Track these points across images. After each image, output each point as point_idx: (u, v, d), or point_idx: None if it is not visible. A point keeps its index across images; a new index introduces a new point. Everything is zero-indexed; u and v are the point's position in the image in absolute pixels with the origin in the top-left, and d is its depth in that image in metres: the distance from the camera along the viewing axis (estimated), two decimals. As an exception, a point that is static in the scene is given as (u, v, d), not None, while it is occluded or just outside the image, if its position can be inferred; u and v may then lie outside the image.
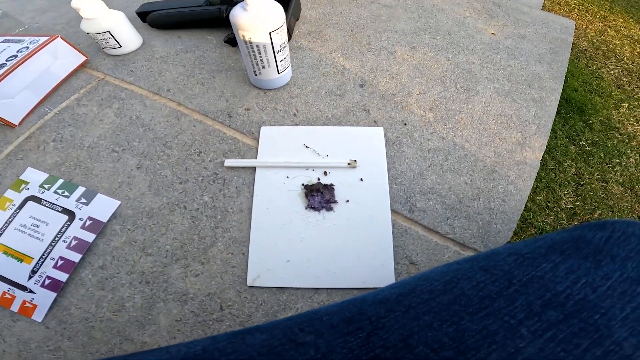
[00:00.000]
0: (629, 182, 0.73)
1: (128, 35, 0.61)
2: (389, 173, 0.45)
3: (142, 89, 0.56)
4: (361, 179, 0.44)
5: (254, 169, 0.45)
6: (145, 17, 0.68)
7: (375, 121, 0.50)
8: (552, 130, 0.77)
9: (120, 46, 0.60)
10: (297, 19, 0.67)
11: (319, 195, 0.42)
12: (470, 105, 0.53)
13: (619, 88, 0.87)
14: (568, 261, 0.24)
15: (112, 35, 0.57)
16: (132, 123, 0.51)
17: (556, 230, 0.57)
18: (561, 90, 0.55)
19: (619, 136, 0.77)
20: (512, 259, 0.25)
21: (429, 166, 0.46)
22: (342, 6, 0.69)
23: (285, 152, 0.46)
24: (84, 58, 0.59)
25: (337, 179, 0.44)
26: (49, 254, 0.39)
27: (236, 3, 0.67)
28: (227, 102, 0.53)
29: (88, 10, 0.54)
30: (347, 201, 0.42)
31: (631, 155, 0.76)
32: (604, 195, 0.71)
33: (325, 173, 0.44)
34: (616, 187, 0.72)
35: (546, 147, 0.73)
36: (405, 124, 0.49)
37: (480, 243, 0.40)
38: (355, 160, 0.45)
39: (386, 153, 0.46)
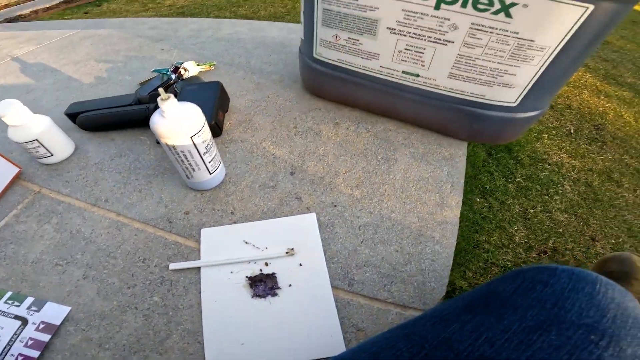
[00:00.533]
0: (571, 207, 0.88)
1: (59, 143, 0.67)
2: (325, 254, 0.55)
3: (80, 200, 0.63)
4: (300, 264, 0.54)
5: (198, 268, 0.54)
6: (75, 118, 0.76)
7: (307, 207, 0.61)
8: (488, 171, 0.93)
9: (52, 154, 0.66)
10: (226, 111, 0.80)
11: (263, 285, 0.52)
12: (391, 175, 0.66)
13: (534, 121, 1.08)
14: (475, 318, 0.28)
15: (41, 143, 0.63)
16: (73, 237, 0.58)
17: (518, 265, 0.68)
18: (467, 143, 0.70)
19: (549, 167, 0.94)
20: (431, 322, 0.31)
21: (361, 242, 0.57)
22: (269, 89, 0.84)
23: (227, 250, 0.55)
24: (17, 169, 0.65)
25: (278, 267, 0.53)
26: (7, 352, 0.46)
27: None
28: (166, 208, 0.62)
29: (11, 117, 0.59)
30: (290, 285, 0.51)
31: (565, 182, 0.92)
32: (551, 224, 0.85)
33: (266, 264, 0.54)
34: (560, 215, 0.87)
35: (488, 189, 0.87)
36: (335, 206, 0.61)
37: (419, 302, 0.50)
38: (292, 249, 0.55)
39: (321, 236, 0.57)
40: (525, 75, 0.57)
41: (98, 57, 1.10)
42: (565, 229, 0.80)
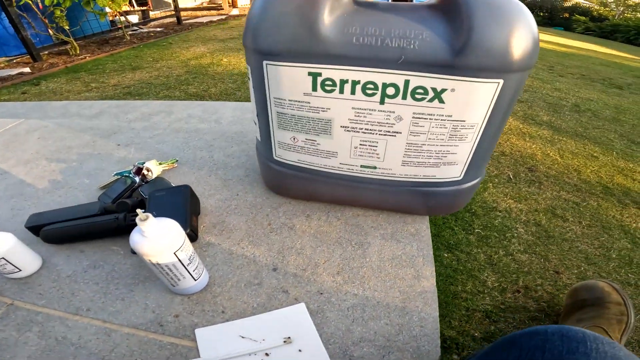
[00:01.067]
0: (529, 247, 0.99)
1: (25, 259, 0.69)
2: (321, 337, 0.61)
3: (58, 311, 0.65)
4: (300, 350, 0.59)
5: None
6: (37, 231, 0.76)
7: (295, 299, 0.68)
8: (449, 228, 1.04)
9: (20, 270, 0.68)
10: (198, 214, 0.86)
11: (268, 372, 0.56)
12: (367, 258, 0.76)
13: (478, 171, 1.24)
14: None
15: (7, 261, 0.66)
16: (60, 343, 0.59)
17: (498, 308, 0.74)
18: (428, 217, 0.82)
19: (500, 213, 1.07)
20: None
21: (352, 321, 0.64)
22: (237, 186, 0.92)
23: (225, 346, 0.60)
24: (-15, 284, 0.66)
25: (279, 355, 0.59)
26: None
27: (133, 208, 0.80)
28: (154, 313, 0.65)
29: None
30: None
31: (517, 225, 1.05)
32: (517, 265, 0.95)
33: (266, 354, 0.59)
34: (522, 256, 0.97)
35: (452, 243, 0.97)
36: (321, 294, 0.69)
37: None
38: (289, 337, 0.60)
39: (313, 322, 0.63)
40: (464, 152, 0.70)
41: (49, 156, 1.11)
42: (530, 267, 0.89)
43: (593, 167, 1.27)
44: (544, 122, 1.66)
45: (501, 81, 0.60)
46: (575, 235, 0.97)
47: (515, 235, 1.01)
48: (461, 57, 0.58)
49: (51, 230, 0.76)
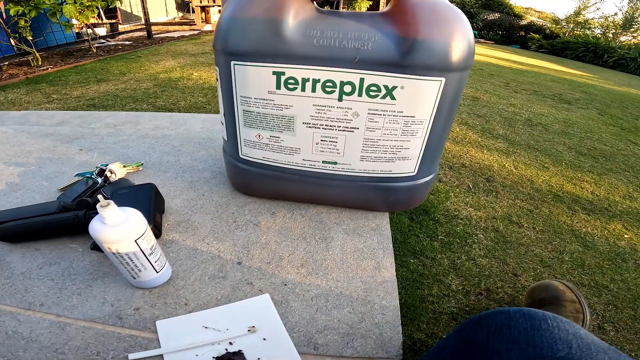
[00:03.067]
0: (489, 252, 1.05)
1: None
2: (286, 326, 0.63)
3: (10, 306, 0.64)
4: (264, 339, 0.61)
5: (161, 356, 0.57)
6: None
7: (260, 290, 0.70)
8: (415, 234, 1.09)
9: None
10: (163, 213, 0.87)
11: (232, 362, 0.57)
12: (330, 252, 0.80)
13: (440, 182, 1.31)
14: None
15: None
16: (10, 337, 0.58)
17: (463, 310, 0.79)
18: (388, 213, 0.87)
19: (461, 221, 1.14)
20: None
21: (316, 310, 0.67)
22: (203, 187, 0.94)
23: (187, 336, 0.61)
24: None
25: (243, 344, 0.60)
26: None
27: (94, 205, 0.80)
28: (113, 307, 0.65)
29: None
30: (259, 359, 0.58)
31: (477, 232, 1.11)
32: (478, 269, 1.00)
33: (230, 343, 0.60)
34: (483, 260, 1.03)
35: (418, 249, 1.02)
36: (285, 285, 0.72)
37: (382, 351, 0.61)
38: (253, 326, 0.62)
39: (278, 312, 0.66)
40: (416, 147, 0.78)
41: (7, 159, 1.09)
42: (491, 271, 0.94)
43: (544, 177, 1.37)
44: (500, 135, 1.78)
45: (443, 79, 0.68)
46: (530, 240, 1.03)
47: (476, 241, 1.06)
48: (408, 57, 0.66)
49: (7, 228, 0.75)
